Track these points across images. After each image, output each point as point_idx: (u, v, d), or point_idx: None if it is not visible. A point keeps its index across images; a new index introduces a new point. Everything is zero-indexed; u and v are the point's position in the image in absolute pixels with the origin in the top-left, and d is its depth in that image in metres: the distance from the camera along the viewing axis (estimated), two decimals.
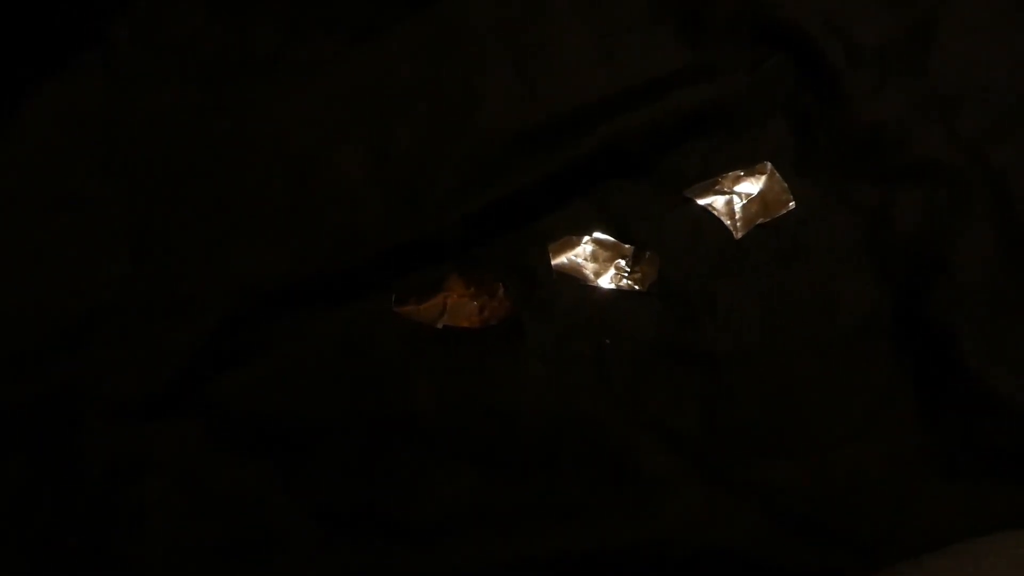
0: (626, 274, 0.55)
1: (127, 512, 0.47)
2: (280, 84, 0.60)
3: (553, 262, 0.55)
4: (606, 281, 0.55)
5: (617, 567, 0.45)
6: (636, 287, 0.54)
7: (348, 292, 0.53)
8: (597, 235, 0.56)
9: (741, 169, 0.57)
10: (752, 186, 0.57)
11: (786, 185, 0.56)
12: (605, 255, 0.55)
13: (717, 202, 0.56)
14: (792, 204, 0.56)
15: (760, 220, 0.56)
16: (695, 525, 0.46)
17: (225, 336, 0.51)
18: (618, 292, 0.54)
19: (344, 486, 0.48)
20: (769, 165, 0.57)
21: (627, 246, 0.55)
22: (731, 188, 0.56)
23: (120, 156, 0.57)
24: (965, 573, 0.40)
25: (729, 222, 0.56)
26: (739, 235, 0.55)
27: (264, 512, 0.48)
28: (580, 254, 0.55)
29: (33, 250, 0.53)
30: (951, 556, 0.41)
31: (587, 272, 0.55)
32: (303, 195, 0.56)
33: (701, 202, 0.56)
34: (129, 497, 0.47)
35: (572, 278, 0.55)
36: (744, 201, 0.56)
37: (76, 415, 0.49)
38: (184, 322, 0.51)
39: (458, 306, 0.53)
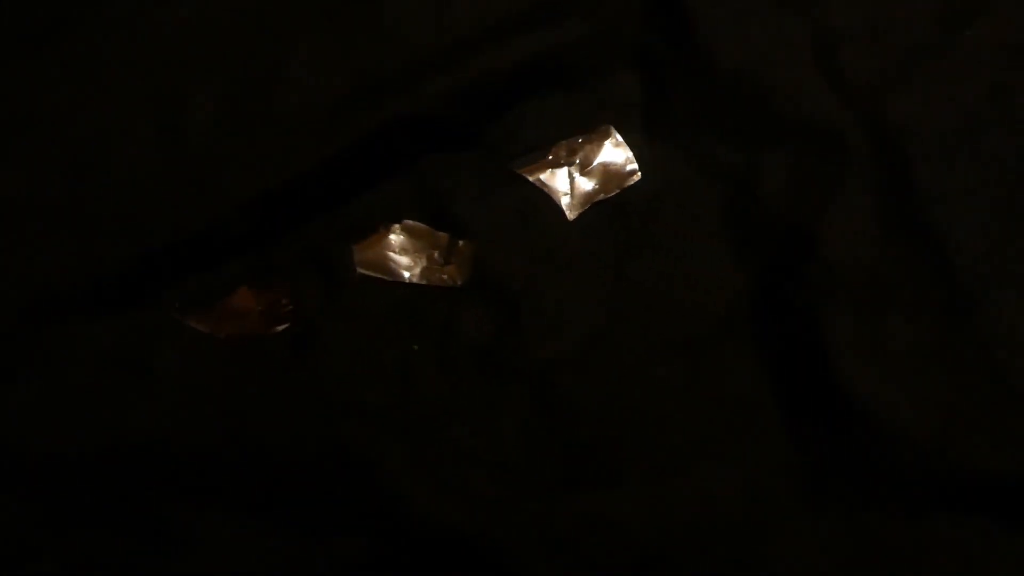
0: (438, 267, 0.46)
1: None
2: (59, 56, 0.51)
3: (358, 256, 0.47)
4: (417, 276, 0.46)
5: None
6: (451, 282, 0.46)
7: (124, 297, 0.47)
8: (408, 222, 0.47)
9: (579, 135, 0.47)
10: (591, 155, 0.47)
11: (631, 153, 0.47)
12: (417, 245, 0.47)
13: (549, 176, 0.47)
14: (638, 175, 0.47)
15: (601, 196, 0.47)
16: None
17: None
18: (430, 289, 0.46)
19: (103, 531, 0.43)
20: (611, 129, 0.47)
21: (441, 234, 0.47)
22: (566, 158, 0.47)
23: None
24: None
25: (564, 200, 0.47)
26: (573, 215, 0.46)
27: (18, 557, 0.43)
28: (388, 245, 0.47)
29: None
30: None
31: (396, 266, 0.46)
32: (82, 185, 0.48)
33: (531, 178, 0.47)
34: None
35: (380, 273, 0.46)
36: (580, 174, 0.47)
37: None
38: None
39: (243, 311, 0.46)
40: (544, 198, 0.47)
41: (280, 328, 0.45)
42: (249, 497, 0.43)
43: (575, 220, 0.46)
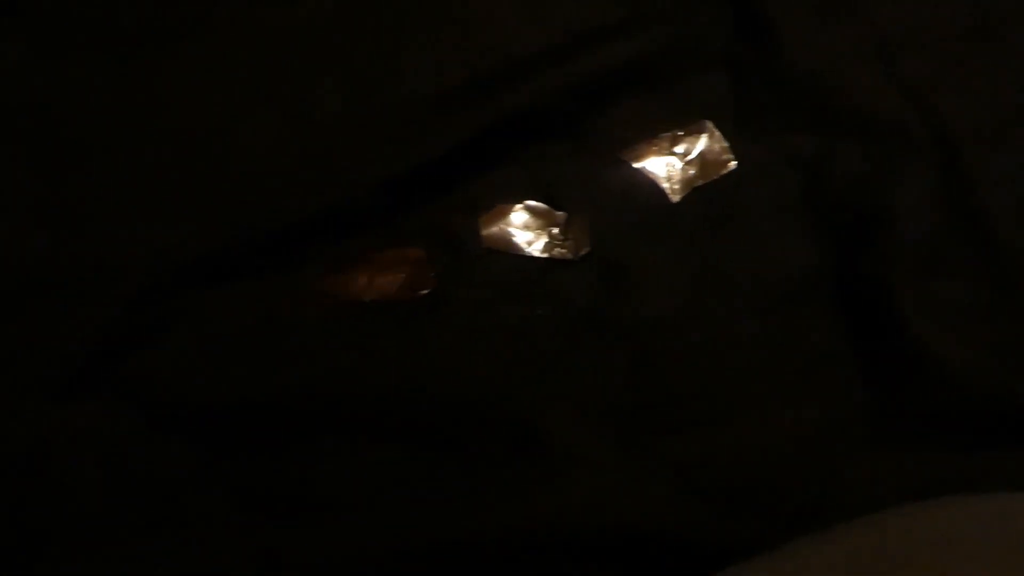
0: (558, 242, 0.53)
1: (50, 490, 0.46)
2: (198, 50, 0.57)
3: (483, 232, 0.53)
4: (538, 250, 0.53)
5: (522, 543, 0.45)
6: (568, 255, 0.53)
7: (269, 264, 0.52)
8: (529, 203, 0.54)
9: (680, 128, 0.55)
10: (691, 146, 0.54)
11: (727, 144, 0.54)
12: (537, 223, 0.54)
13: (653, 164, 0.54)
14: (733, 164, 0.54)
15: (699, 182, 0.54)
16: (600, 500, 0.46)
17: (142, 311, 0.50)
18: (549, 261, 0.53)
19: (262, 466, 0.48)
20: (709, 124, 0.55)
21: (559, 213, 0.54)
22: (669, 149, 0.54)
23: (26, 132, 0.54)
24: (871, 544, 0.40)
25: (666, 185, 0.54)
26: (676, 198, 0.54)
27: (184, 491, 0.48)
28: (511, 222, 0.53)
29: None
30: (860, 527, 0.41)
31: (518, 241, 0.53)
32: (220, 163, 0.53)
33: (637, 165, 0.54)
34: (52, 475, 0.47)
35: (503, 247, 0.53)
36: (682, 163, 0.54)
37: None
38: (98, 297, 0.50)
39: (379, 278, 0.52)
40: (647, 180, 0.54)
41: (422, 293, 0.52)
42: (391, 430, 0.48)
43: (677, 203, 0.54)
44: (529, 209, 0.54)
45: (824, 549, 0.40)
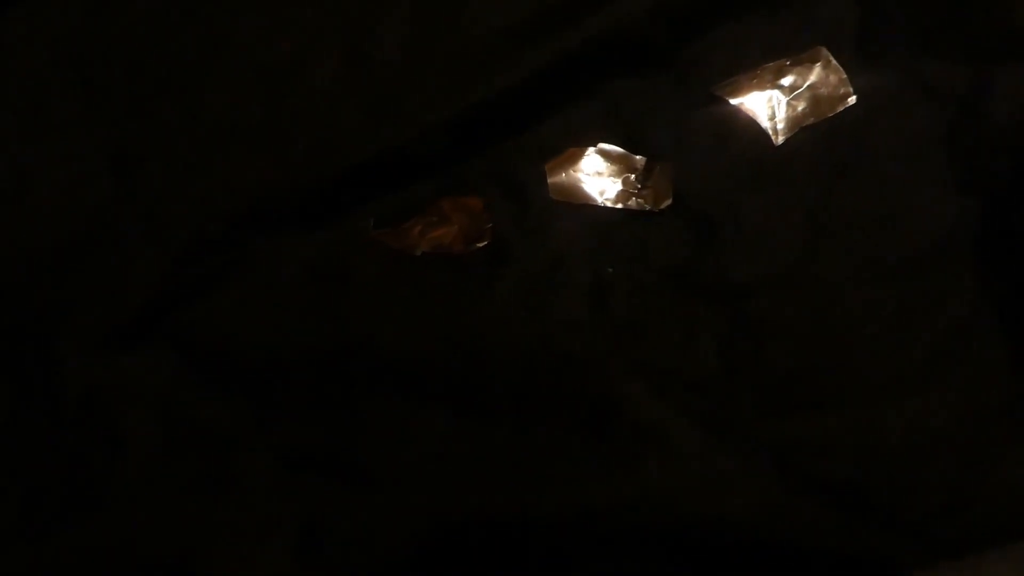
0: (636, 191, 0.46)
1: (104, 439, 0.47)
2: None
3: (550, 179, 0.47)
4: (612, 199, 0.46)
5: (589, 530, 0.39)
6: (647, 206, 0.46)
7: (324, 213, 0.49)
8: (603, 146, 0.47)
9: (787, 57, 0.46)
10: (800, 78, 0.45)
11: (845, 76, 0.45)
12: (612, 169, 0.47)
13: (753, 100, 0.46)
14: (852, 99, 0.45)
15: (811, 120, 0.45)
16: (685, 487, 0.39)
17: (196, 260, 0.49)
18: (626, 212, 0.46)
19: (311, 425, 0.45)
20: (824, 51, 0.45)
21: (638, 157, 0.46)
22: (773, 81, 0.46)
23: (97, 76, 0.55)
24: None
25: (768, 124, 0.45)
26: (779, 140, 0.45)
27: (232, 448, 0.46)
28: (583, 168, 0.47)
29: (13, 178, 0.52)
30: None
31: (590, 189, 0.46)
32: (278, 108, 0.51)
33: (733, 101, 0.46)
34: (106, 425, 0.47)
35: (572, 196, 0.47)
36: (788, 97, 0.45)
37: (51, 344, 0.48)
38: (154, 247, 0.49)
39: (438, 230, 0.47)
40: (746, 120, 0.45)
41: (479, 245, 0.46)
42: (446, 394, 0.44)
43: (781, 144, 0.45)
44: (602, 153, 0.47)
45: None
